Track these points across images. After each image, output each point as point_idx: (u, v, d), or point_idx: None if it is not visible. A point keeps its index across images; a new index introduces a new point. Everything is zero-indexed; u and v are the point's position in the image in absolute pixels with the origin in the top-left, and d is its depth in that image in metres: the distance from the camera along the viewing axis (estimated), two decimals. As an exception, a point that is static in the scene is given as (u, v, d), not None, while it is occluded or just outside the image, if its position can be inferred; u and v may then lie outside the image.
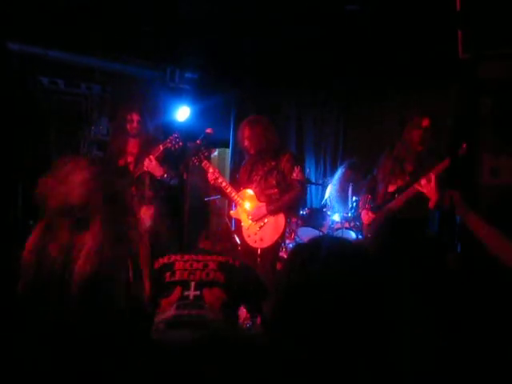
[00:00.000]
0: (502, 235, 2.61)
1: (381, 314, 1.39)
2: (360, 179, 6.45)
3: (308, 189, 7.28)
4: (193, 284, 3.23)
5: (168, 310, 3.15)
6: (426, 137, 4.70)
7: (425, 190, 4.41)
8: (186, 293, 3.19)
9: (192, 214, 6.62)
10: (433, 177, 4.38)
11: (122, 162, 5.29)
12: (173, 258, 3.36)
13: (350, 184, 6.30)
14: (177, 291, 3.19)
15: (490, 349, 3.09)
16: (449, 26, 3.98)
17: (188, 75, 7.32)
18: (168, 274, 3.29)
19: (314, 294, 1.34)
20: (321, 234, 6.26)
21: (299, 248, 1.53)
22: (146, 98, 6.63)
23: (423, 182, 4.43)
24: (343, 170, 6.79)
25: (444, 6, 4.22)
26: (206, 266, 3.32)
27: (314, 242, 1.52)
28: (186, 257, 3.35)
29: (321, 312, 1.32)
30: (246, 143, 5.05)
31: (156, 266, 3.39)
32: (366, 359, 1.34)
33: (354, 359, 1.33)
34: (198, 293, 3.20)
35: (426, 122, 4.70)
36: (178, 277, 3.27)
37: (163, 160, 5.18)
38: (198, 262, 3.32)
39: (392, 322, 1.45)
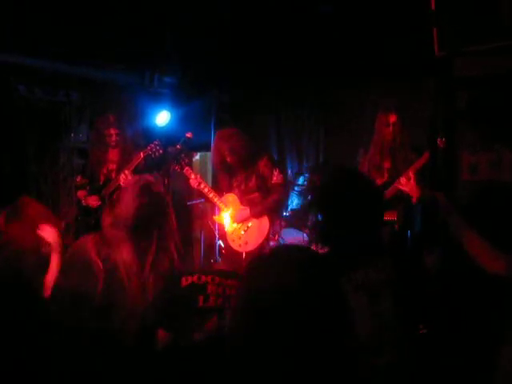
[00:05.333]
0: (480, 238, 2.62)
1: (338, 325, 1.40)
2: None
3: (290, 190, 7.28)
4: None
5: None
6: (396, 132, 4.70)
7: (406, 188, 4.44)
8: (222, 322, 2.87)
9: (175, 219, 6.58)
10: (412, 174, 4.40)
11: (104, 170, 5.31)
12: (203, 278, 2.98)
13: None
14: (213, 320, 2.87)
15: (467, 347, 3.12)
16: (424, 25, 4.00)
17: (167, 79, 7.28)
18: (201, 297, 2.92)
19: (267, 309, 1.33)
20: (304, 235, 6.26)
21: (257, 260, 1.52)
22: (124, 105, 6.60)
23: (403, 180, 4.46)
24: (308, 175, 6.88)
25: (419, 5, 4.24)
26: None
27: (268, 255, 1.52)
28: (217, 279, 2.99)
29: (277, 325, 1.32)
30: (229, 159, 5.05)
31: (184, 283, 3.00)
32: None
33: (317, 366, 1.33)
34: None
35: (392, 118, 4.71)
36: (212, 303, 2.91)
37: (144, 166, 5.18)
38: (230, 288, 2.97)
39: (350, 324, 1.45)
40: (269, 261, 1.42)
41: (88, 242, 3.02)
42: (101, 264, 2.93)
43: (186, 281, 2.97)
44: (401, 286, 2.59)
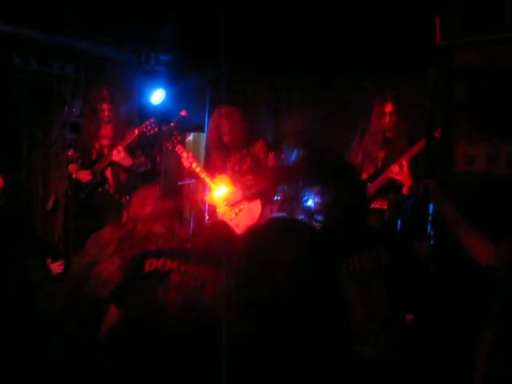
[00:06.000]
0: (472, 228, 2.62)
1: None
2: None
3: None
4: None
5: None
6: (392, 122, 4.69)
7: (398, 177, 4.43)
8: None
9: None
10: (405, 163, 4.39)
11: (97, 146, 5.28)
12: (168, 265, 2.79)
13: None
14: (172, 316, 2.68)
15: (458, 336, 3.12)
16: (426, 12, 3.96)
17: (163, 57, 7.22)
18: (161, 289, 2.74)
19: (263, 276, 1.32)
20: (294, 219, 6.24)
21: (254, 231, 1.51)
22: (119, 81, 6.54)
23: (395, 168, 4.45)
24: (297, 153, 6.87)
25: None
26: (202, 286, 2.71)
27: (268, 226, 1.50)
28: (184, 267, 2.77)
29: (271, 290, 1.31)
30: (225, 138, 5.02)
31: (147, 268, 2.82)
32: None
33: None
34: None
35: (389, 108, 4.69)
36: (171, 298, 2.70)
37: (137, 144, 5.15)
38: (196, 279, 2.72)
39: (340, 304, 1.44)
40: (268, 233, 1.41)
41: None
42: None
43: (149, 266, 2.83)
44: (392, 276, 2.59)
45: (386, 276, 2.57)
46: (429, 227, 4.17)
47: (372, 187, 4.69)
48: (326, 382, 1.33)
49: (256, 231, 1.51)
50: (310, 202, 6.46)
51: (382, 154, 4.77)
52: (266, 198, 5.15)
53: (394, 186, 4.57)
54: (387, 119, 4.67)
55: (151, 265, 2.82)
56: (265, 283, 1.32)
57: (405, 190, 4.39)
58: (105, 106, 5.17)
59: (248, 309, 1.32)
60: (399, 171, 4.41)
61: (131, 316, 2.73)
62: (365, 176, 4.79)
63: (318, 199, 6.28)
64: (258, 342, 1.28)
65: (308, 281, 1.34)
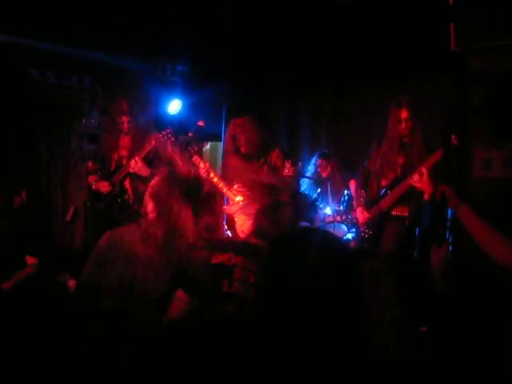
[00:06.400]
0: (492, 229, 2.61)
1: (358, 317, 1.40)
2: (337, 170, 6.58)
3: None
4: None
5: None
6: (408, 128, 4.69)
7: (418, 185, 4.43)
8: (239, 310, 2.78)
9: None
10: (425, 171, 4.38)
11: (115, 156, 5.32)
12: (233, 260, 2.90)
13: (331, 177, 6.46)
14: (231, 306, 2.79)
15: (478, 341, 3.11)
16: (440, 19, 3.97)
17: (179, 68, 7.28)
18: (226, 282, 2.85)
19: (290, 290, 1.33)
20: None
21: (279, 241, 1.52)
22: (137, 92, 6.60)
23: (415, 176, 4.44)
24: (316, 160, 6.90)
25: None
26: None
27: (297, 236, 1.51)
28: (245, 263, 2.89)
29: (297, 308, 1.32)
30: (242, 148, 5.05)
31: (214, 260, 2.94)
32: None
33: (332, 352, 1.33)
34: None
35: (404, 114, 4.70)
36: (235, 290, 2.82)
37: (154, 154, 5.19)
38: (254, 274, 2.85)
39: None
40: (295, 240, 1.42)
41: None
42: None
43: (216, 258, 2.93)
44: (403, 274, 2.60)
45: (396, 274, 2.58)
46: (447, 233, 4.18)
47: (392, 195, 4.70)
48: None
49: (279, 240, 1.52)
50: (327, 210, 6.50)
51: (401, 161, 4.77)
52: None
53: (414, 193, 4.57)
54: (403, 125, 4.67)
55: (217, 258, 2.91)
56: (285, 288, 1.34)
57: (426, 197, 4.39)
58: (124, 119, 5.21)
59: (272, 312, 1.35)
60: (419, 179, 4.41)
61: (202, 303, 2.79)
62: (385, 182, 4.81)
63: (336, 206, 6.32)
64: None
65: (334, 288, 1.35)
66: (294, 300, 1.33)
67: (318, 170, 6.85)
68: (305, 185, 6.87)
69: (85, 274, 2.93)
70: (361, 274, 2.33)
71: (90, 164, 5.46)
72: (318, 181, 6.73)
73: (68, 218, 6.22)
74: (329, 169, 6.80)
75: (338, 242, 1.52)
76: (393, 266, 2.60)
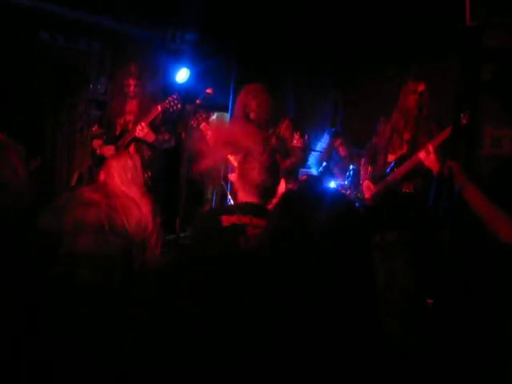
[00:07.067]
0: (497, 207, 2.60)
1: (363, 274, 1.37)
2: (347, 146, 6.54)
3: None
4: None
5: None
6: (422, 102, 4.64)
7: (426, 162, 4.39)
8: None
9: (189, 177, 6.57)
10: (431, 149, 4.35)
11: (121, 121, 5.31)
12: (242, 219, 2.89)
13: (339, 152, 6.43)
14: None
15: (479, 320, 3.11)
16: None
17: (188, 36, 7.22)
18: (242, 239, 2.84)
19: (298, 239, 1.30)
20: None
21: (291, 192, 1.50)
22: (144, 59, 6.55)
23: (422, 153, 4.41)
24: (328, 137, 6.89)
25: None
26: None
27: (305, 188, 1.50)
28: (255, 221, 2.88)
29: (303, 259, 1.29)
30: (252, 115, 5.01)
31: (225, 223, 2.91)
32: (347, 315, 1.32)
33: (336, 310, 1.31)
34: None
35: (421, 87, 4.64)
36: (254, 244, 2.78)
37: (161, 120, 5.17)
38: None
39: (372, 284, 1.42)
40: (298, 197, 1.40)
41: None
42: None
43: (227, 221, 2.91)
44: (416, 250, 2.58)
45: (410, 249, 2.56)
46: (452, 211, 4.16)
47: (399, 171, 4.67)
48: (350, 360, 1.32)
49: (291, 193, 1.50)
50: (332, 184, 6.47)
51: (407, 136, 4.73)
52: (289, 176, 5.13)
53: (421, 169, 4.54)
54: (418, 97, 4.62)
55: (228, 220, 2.89)
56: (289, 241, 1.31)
57: (435, 173, 4.35)
58: (131, 81, 5.19)
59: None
60: (426, 156, 4.37)
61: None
62: (391, 158, 4.77)
63: (340, 180, 6.30)
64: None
65: (341, 246, 1.32)
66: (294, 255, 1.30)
67: (338, 149, 6.83)
68: (311, 159, 6.84)
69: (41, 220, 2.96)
70: (372, 241, 2.32)
71: (95, 128, 5.44)
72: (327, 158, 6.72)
73: (73, 183, 6.20)
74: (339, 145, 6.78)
75: (350, 201, 1.49)
76: (407, 238, 2.57)
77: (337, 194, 1.46)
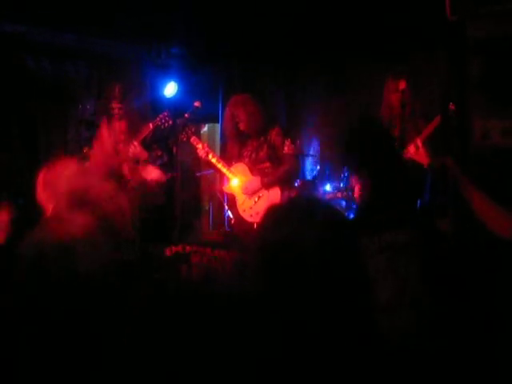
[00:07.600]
0: (490, 201, 2.60)
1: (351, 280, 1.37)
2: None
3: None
4: None
5: None
6: (405, 99, 4.62)
7: (415, 157, 4.39)
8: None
9: (184, 190, 6.57)
10: (420, 143, 4.35)
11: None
12: (188, 248, 3.05)
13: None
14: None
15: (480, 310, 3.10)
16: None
17: (174, 50, 7.23)
18: (184, 267, 2.98)
19: (284, 253, 1.30)
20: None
21: (274, 208, 1.49)
22: (131, 77, 6.56)
23: (411, 149, 4.41)
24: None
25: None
26: (224, 267, 3.00)
27: (289, 203, 1.49)
28: (201, 250, 3.04)
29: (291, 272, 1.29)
30: (242, 126, 5.02)
31: (168, 253, 3.06)
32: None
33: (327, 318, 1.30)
34: None
35: (402, 85, 4.62)
36: (194, 276, 2.88)
37: (152, 137, 5.18)
38: (216, 259, 2.98)
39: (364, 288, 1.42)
40: (287, 211, 1.40)
41: None
42: None
43: (170, 251, 3.03)
44: (428, 253, 2.57)
45: (420, 251, 2.56)
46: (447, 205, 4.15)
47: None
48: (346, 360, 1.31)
49: (276, 208, 1.49)
50: (327, 187, 6.47)
51: (396, 132, 4.72)
52: (284, 184, 5.13)
53: (413, 165, 4.53)
54: (400, 96, 4.61)
55: (172, 250, 2.90)
56: (281, 258, 1.31)
57: (425, 167, 4.35)
58: (115, 105, 5.21)
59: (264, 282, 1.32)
60: (416, 151, 4.37)
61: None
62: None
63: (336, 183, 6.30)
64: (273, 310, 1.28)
65: (328, 259, 1.32)
66: (285, 273, 1.30)
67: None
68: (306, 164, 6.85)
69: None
70: (370, 246, 2.32)
71: (85, 150, 5.44)
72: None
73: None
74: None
75: (338, 212, 1.49)
76: (419, 238, 2.58)
77: (323, 206, 1.45)
